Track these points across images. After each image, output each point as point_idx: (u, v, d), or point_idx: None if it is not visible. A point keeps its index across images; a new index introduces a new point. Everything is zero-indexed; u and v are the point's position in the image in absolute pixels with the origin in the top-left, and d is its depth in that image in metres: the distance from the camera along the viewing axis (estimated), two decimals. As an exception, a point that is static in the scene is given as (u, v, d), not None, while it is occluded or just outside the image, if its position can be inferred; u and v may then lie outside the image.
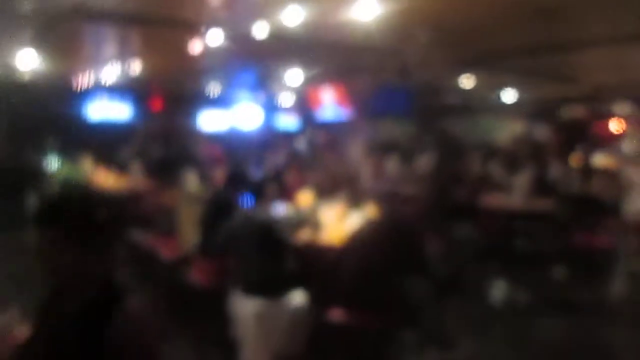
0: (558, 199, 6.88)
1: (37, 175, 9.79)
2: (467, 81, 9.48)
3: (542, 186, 7.21)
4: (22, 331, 3.26)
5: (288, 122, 13.97)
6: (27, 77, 8.76)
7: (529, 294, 5.82)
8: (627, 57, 7.76)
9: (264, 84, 11.12)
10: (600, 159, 10.16)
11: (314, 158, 9.06)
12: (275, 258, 3.89)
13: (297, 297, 3.80)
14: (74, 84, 9.74)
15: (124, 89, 10.74)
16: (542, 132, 12.93)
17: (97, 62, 8.17)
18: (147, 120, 12.12)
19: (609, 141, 11.77)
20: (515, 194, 7.28)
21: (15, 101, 10.21)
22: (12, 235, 8.55)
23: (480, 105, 13.30)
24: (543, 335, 4.74)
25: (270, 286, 3.74)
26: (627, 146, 10.71)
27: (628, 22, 5.77)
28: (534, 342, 4.61)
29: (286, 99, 12.77)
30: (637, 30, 5.94)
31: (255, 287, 3.71)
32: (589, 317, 5.13)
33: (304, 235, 4.81)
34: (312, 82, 10.18)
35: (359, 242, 3.64)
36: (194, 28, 5.86)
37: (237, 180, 4.43)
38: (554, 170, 7.93)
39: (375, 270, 3.44)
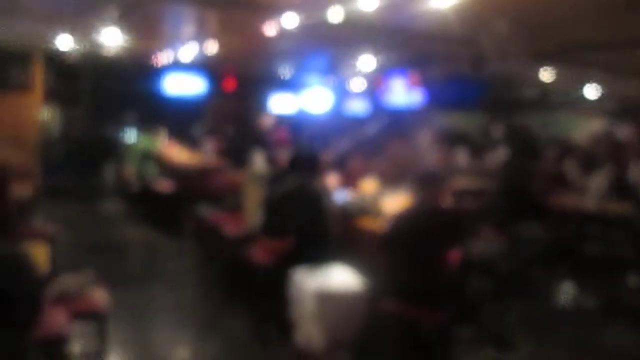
0: (636, 203, 6.53)
1: (115, 147, 10.33)
2: (546, 75, 9.09)
3: (619, 189, 6.86)
4: (95, 293, 3.48)
5: (357, 107, 13.92)
6: (110, 54, 9.19)
7: (598, 300, 5.59)
8: None
9: (336, 69, 11.12)
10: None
11: (381, 145, 9.00)
12: (321, 227, 4.11)
13: (357, 283, 3.82)
14: (154, 62, 10.11)
15: (200, 68, 11.04)
16: (625, 132, 12.24)
17: (175, 41, 8.44)
18: (220, 99, 12.43)
19: (699, 145, 10.99)
20: (590, 195, 6.96)
21: (99, 77, 10.76)
22: (91, 205, 9.17)
23: (559, 100, 12.77)
24: (610, 344, 4.54)
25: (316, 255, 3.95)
26: None
27: None
28: (599, 350, 4.43)
29: (357, 85, 12.71)
30: None
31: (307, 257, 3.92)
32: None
33: (366, 223, 4.82)
34: (383, 69, 10.08)
35: (414, 231, 3.54)
36: (270, 11, 5.93)
37: (299, 163, 4.47)
38: (635, 173, 7.51)
39: (430, 262, 3.36)
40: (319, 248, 4.11)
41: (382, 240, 3.73)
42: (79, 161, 10.42)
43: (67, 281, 3.44)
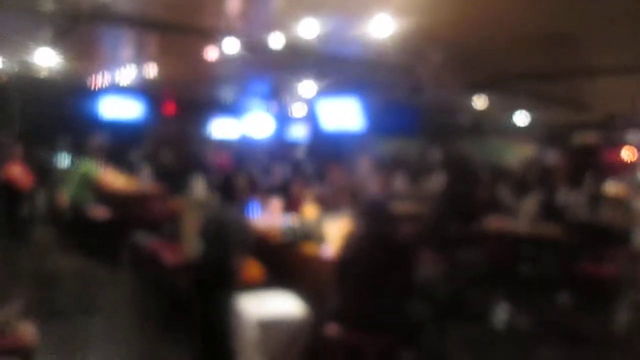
0: (565, 225, 6.84)
1: (48, 174, 9.89)
2: (478, 102, 9.47)
3: (549, 211, 7.17)
4: (23, 328, 3.29)
5: (298, 133, 14.00)
6: (44, 76, 8.86)
7: (532, 320, 5.77)
8: (640, 85, 7.73)
9: (277, 94, 11.18)
10: (611, 187, 10.09)
11: (320, 171, 9.06)
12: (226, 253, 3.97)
13: (299, 309, 3.79)
14: (90, 84, 9.84)
15: (139, 92, 10.83)
16: (552, 157, 12.87)
17: (113, 64, 8.26)
18: (159, 124, 12.21)
19: (619, 169, 11.68)
20: (522, 218, 7.24)
21: (30, 100, 10.34)
22: (21, 233, 8.70)
23: (491, 127, 13.29)
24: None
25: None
26: (638, 175, 10.63)
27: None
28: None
29: (297, 110, 12.82)
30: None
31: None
32: (592, 346, 5.08)
33: (308, 248, 4.81)
34: (323, 95, 10.22)
35: (353, 257, 3.56)
36: (211, 36, 5.92)
37: (224, 188, 4.38)
38: (562, 196, 7.88)
39: (369, 287, 3.38)
40: (223, 273, 4.06)
41: (333, 267, 3.73)
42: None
43: (-8, 316, 3.23)
